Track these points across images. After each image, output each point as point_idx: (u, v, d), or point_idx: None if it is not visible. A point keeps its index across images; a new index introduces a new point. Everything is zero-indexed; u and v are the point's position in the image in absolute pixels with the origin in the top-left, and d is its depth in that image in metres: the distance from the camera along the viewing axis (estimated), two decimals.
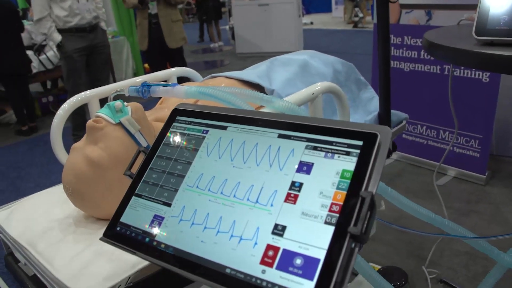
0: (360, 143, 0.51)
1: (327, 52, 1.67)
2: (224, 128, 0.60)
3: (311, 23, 11.70)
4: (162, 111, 1.22)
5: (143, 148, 0.64)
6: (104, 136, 0.96)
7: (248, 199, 0.52)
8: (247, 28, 7.61)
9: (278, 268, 0.46)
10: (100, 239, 0.60)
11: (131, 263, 0.82)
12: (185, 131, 0.63)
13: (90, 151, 0.95)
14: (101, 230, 0.97)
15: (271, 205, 0.51)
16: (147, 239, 0.55)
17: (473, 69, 2.38)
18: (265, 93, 1.25)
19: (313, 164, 0.52)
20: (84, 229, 0.99)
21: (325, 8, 13.66)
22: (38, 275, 0.92)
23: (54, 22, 3.31)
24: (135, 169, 0.66)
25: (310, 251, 0.46)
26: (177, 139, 0.63)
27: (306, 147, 0.53)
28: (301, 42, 7.74)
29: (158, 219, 0.56)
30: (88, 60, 3.53)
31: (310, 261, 0.45)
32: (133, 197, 0.61)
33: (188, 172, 0.58)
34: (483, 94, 2.35)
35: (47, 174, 3.37)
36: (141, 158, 0.73)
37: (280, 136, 0.56)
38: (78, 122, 3.47)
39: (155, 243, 0.54)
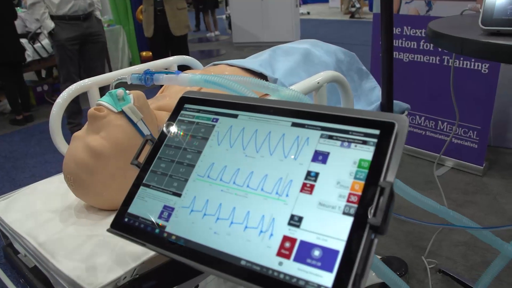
0: (377, 132, 0.50)
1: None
2: (235, 116, 0.59)
3: (308, 13, 11.63)
4: (164, 100, 1.20)
5: (150, 136, 0.62)
6: (106, 124, 0.94)
7: (262, 189, 0.51)
8: (244, 18, 7.54)
9: (295, 260, 0.45)
10: (108, 230, 0.59)
11: (136, 254, 0.80)
12: (194, 119, 0.62)
13: (91, 140, 0.93)
14: (103, 220, 0.96)
15: (287, 195, 0.49)
16: (156, 231, 0.54)
17: (472, 60, 2.37)
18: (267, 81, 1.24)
19: (329, 153, 0.50)
20: (86, 219, 0.98)
21: None
22: (40, 266, 0.90)
23: (48, 8, 3.25)
24: (141, 159, 0.65)
25: (329, 243, 0.45)
26: (186, 127, 0.61)
27: (321, 136, 0.52)
28: (298, 32, 7.69)
29: (168, 210, 0.55)
30: (81, 49, 3.48)
31: (328, 253, 0.44)
32: (141, 187, 0.59)
33: (198, 161, 0.57)
34: (482, 85, 2.35)
35: (43, 164, 3.33)
36: (147, 147, 0.71)
37: (294, 124, 0.54)
38: (73, 110, 3.43)
39: (165, 234, 0.53)
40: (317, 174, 0.49)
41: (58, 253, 0.86)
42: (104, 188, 0.95)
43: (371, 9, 10.18)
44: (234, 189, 0.52)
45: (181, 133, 0.61)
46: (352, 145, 0.50)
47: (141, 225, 0.55)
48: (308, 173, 0.50)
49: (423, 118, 2.76)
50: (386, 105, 1.47)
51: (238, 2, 7.53)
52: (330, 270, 0.43)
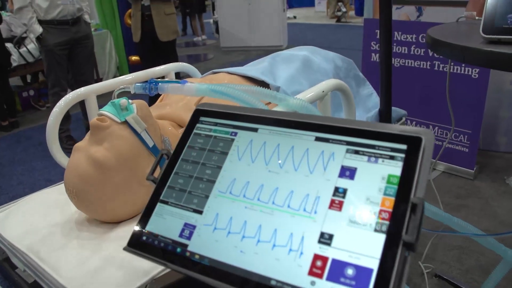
0: (404, 147, 0.49)
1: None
2: (255, 130, 0.57)
3: (294, 17, 11.69)
4: (164, 109, 1.19)
5: (165, 151, 0.61)
6: (110, 135, 0.92)
7: (288, 206, 0.50)
8: (232, 22, 7.54)
9: (328, 279, 0.44)
10: (124, 249, 0.57)
11: (144, 269, 0.78)
12: (211, 133, 0.60)
13: (95, 151, 0.91)
14: (106, 234, 0.94)
15: (315, 212, 0.48)
16: (178, 249, 0.52)
17: (463, 65, 2.40)
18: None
19: (356, 168, 0.50)
20: (88, 233, 0.95)
21: (307, 3, 13.66)
22: (42, 282, 0.87)
23: (35, 12, 3.19)
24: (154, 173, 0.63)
25: (362, 261, 0.44)
26: (203, 141, 0.60)
27: (347, 151, 0.51)
28: (285, 36, 7.72)
29: (189, 228, 0.53)
30: (70, 54, 3.43)
31: (362, 271, 0.43)
32: (159, 204, 0.57)
33: (219, 177, 0.55)
34: (473, 89, 2.38)
35: (30, 171, 3.26)
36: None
37: (318, 139, 0.53)
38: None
39: (188, 253, 0.51)
40: (345, 190, 0.49)
41: (61, 268, 0.84)
42: (108, 201, 0.92)
43: (357, 13, 10.30)
44: (259, 206, 0.51)
45: (198, 147, 0.60)
46: (380, 160, 0.49)
47: (161, 244, 0.54)
48: (336, 189, 0.49)
49: (414, 122, 2.79)
50: (385, 112, 1.48)
51: (225, 6, 7.53)
52: None
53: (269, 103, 1.05)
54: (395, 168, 0.48)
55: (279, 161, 0.53)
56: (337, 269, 0.44)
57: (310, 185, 0.50)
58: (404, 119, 1.57)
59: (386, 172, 0.48)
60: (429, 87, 2.60)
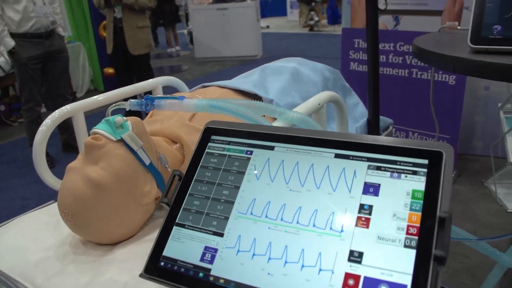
0: (425, 161, 0.50)
1: (288, 56, 1.68)
2: (271, 148, 0.57)
3: (268, 26, 11.79)
4: (155, 125, 1.16)
5: (178, 171, 0.59)
6: (105, 154, 0.89)
7: (314, 225, 0.49)
8: (206, 33, 7.53)
9: None
10: (141, 276, 0.55)
11: None
12: (225, 152, 0.59)
13: (90, 171, 0.88)
14: (105, 256, 0.91)
15: (342, 231, 0.48)
16: (201, 274, 0.51)
17: (440, 72, 2.47)
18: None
19: (379, 185, 0.50)
20: (85, 256, 0.91)
21: (280, 12, 13.82)
22: None
23: (7, 25, 3.10)
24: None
25: (395, 277, 0.44)
26: (217, 161, 0.59)
27: (369, 167, 0.51)
28: (259, 46, 7.77)
29: (210, 251, 0.52)
30: (44, 68, 3.34)
31: None
32: (175, 227, 0.56)
33: (238, 197, 0.54)
34: (450, 96, 2.45)
35: (4, 189, 3.14)
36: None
37: (337, 156, 0.53)
38: (35, 131, 3.27)
39: (211, 278, 0.50)
40: (370, 207, 0.49)
41: None
42: (105, 222, 0.89)
43: (329, 22, 10.48)
44: (283, 226, 0.50)
45: (213, 167, 0.58)
46: (403, 175, 0.50)
47: (181, 269, 0.52)
48: (361, 206, 0.49)
49: (394, 129, 2.84)
50: (373, 122, 1.50)
51: (199, 17, 7.52)
52: None
53: (263, 115, 1.04)
54: (419, 183, 0.48)
55: (300, 180, 0.53)
56: (370, 287, 0.44)
57: (334, 203, 0.50)
58: (391, 127, 1.60)
59: (410, 187, 0.48)
60: (409, 95, 2.66)
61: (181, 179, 0.60)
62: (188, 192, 0.58)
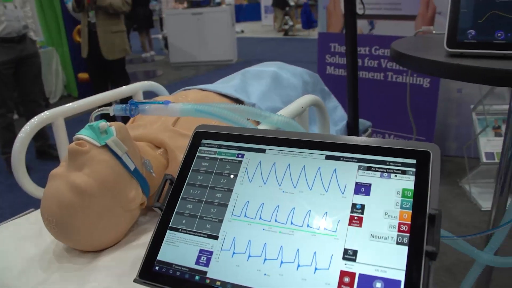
0: (413, 161, 0.52)
1: (263, 60, 1.70)
2: (262, 151, 0.58)
3: (242, 31, 11.83)
4: (138, 130, 1.15)
5: (169, 176, 0.59)
6: (90, 160, 0.88)
7: (308, 225, 0.50)
8: (181, 37, 7.50)
9: None
10: (135, 281, 0.54)
11: None
12: (216, 156, 0.60)
13: (75, 178, 0.86)
14: (90, 264, 0.89)
15: (335, 230, 0.49)
16: (196, 277, 0.51)
17: (415, 75, 2.54)
18: None
19: (370, 184, 0.51)
20: (70, 264, 0.90)
21: (254, 17, 13.89)
22: None
23: None
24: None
25: (388, 273, 0.45)
26: (209, 164, 0.59)
27: (359, 168, 0.53)
28: (235, 50, 7.79)
29: (205, 254, 0.52)
30: (16, 73, 3.25)
31: (391, 284, 0.45)
32: (168, 231, 0.56)
33: (231, 200, 0.55)
34: (425, 98, 2.53)
35: None
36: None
37: (328, 157, 0.54)
38: (8, 138, 3.18)
39: (208, 280, 0.50)
40: (362, 206, 0.50)
41: None
42: (90, 229, 0.88)
43: (304, 26, 10.60)
44: (278, 227, 0.51)
45: (204, 171, 0.59)
46: (392, 175, 0.51)
47: (176, 273, 0.52)
48: (354, 206, 0.50)
49: (372, 132, 2.90)
50: (353, 125, 1.53)
51: (174, 22, 7.48)
52: None
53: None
54: (408, 182, 0.50)
55: (292, 181, 0.54)
56: (366, 284, 0.45)
57: (327, 204, 0.51)
58: (370, 130, 1.64)
59: (400, 186, 0.50)
60: (384, 98, 2.73)
61: (172, 183, 0.60)
62: (181, 196, 0.58)
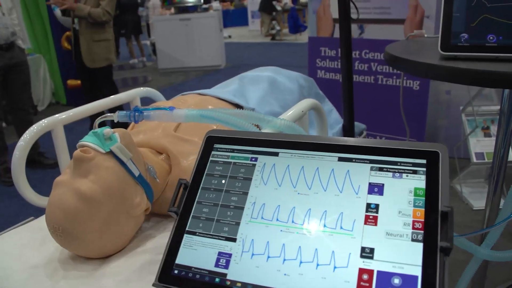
0: (423, 161, 0.54)
1: (252, 65, 1.72)
2: (275, 154, 0.59)
3: (229, 36, 11.86)
4: (138, 136, 1.16)
5: (184, 180, 0.60)
6: (95, 167, 0.89)
7: (325, 225, 0.52)
8: (169, 43, 7.49)
9: None
10: (154, 285, 0.55)
11: None
12: (230, 160, 0.61)
13: (81, 185, 0.87)
14: (97, 271, 0.90)
15: (352, 229, 0.51)
16: (217, 280, 0.52)
17: (405, 78, 2.59)
18: None
19: (383, 184, 0.53)
20: (76, 271, 0.90)
21: (241, 22, 13.94)
22: None
23: None
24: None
25: (405, 269, 0.47)
26: (222, 168, 0.60)
27: (372, 169, 0.54)
28: (223, 56, 7.81)
29: (224, 256, 0.53)
30: (5, 81, 3.22)
31: (408, 279, 0.46)
32: (185, 235, 0.57)
33: (247, 203, 0.56)
34: (415, 101, 2.57)
35: None
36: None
37: (341, 159, 0.56)
38: None
39: (228, 282, 0.51)
40: (377, 206, 0.52)
41: None
42: (97, 236, 0.88)
43: (291, 31, 10.68)
44: (295, 228, 0.53)
45: (219, 175, 0.60)
46: (404, 175, 0.53)
47: (196, 276, 0.53)
48: (368, 206, 0.52)
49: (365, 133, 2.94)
50: (348, 127, 1.56)
51: (162, 28, 7.48)
52: None
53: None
54: (420, 181, 0.52)
55: (307, 183, 0.55)
56: (384, 280, 0.47)
57: (342, 204, 0.53)
58: (365, 133, 1.66)
59: (412, 185, 0.52)
60: (376, 101, 2.76)
61: (187, 188, 0.61)
62: (196, 200, 0.59)
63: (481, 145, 2.34)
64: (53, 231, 0.89)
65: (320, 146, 0.58)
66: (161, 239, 0.97)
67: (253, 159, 0.60)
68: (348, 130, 1.54)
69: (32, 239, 1.02)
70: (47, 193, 1.19)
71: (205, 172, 0.61)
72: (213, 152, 0.63)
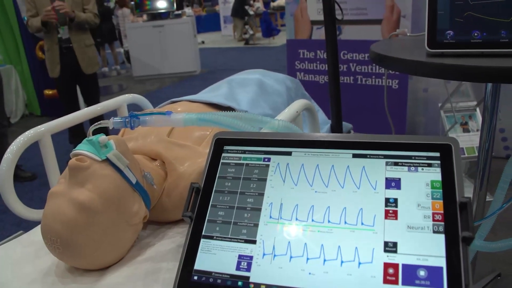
0: (437, 154, 0.54)
1: (227, 70, 1.72)
2: (289, 153, 0.59)
3: (203, 42, 11.82)
4: (129, 143, 1.14)
5: (197, 184, 0.59)
6: (91, 175, 0.86)
7: (346, 222, 0.52)
8: (143, 50, 7.41)
9: (404, 283, 0.47)
10: None
11: None
12: (242, 161, 0.60)
13: (77, 194, 0.84)
14: (98, 282, 0.87)
15: (373, 225, 0.51)
16: (239, 283, 0.51)
17: (384, 77, 2.64)
18: None
19: (400, 179, 0.54)
20: (75, 284, 0.87)
21: (214, 27, 13.92)
22: None
23: None
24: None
25: (430, 261, 0.47)
26: (235, 170, 0.60)
27: (387, 164, 0.55)
28: (198, 61, 7.77)
29: (245, 259, 0.52)
30: None
31: (433, 271, 0.47)
32: (202, 239, 0.56)
33: (264, 203, 0.56)
34: (395, 99, 2.62)
35: None
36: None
37: (355, 155, 0.56)
38: None
39: (251, 285, 0.50)
40: (395, 200, 0.52)
41: None
42: (97, 246, 0.86)
43: (264, 35, 10.73)
44: (316, 227, 0.52)
45: (232, 177, 0.59)
46: (419, 168, 0.54)
47: (217, 281, 0.52)
48: (387, 200, 0.52)
49: (352, 132, 2.97)
50: (336, 126, 1.57)
51: (136, 35, 7.39)
52: (440, 286, 0.46)
53: None
54: (435, 174, 0.53)
55: (323, 181, 0.55)
56: (410, 273, 0.47)
57: (361, 200, 0.53)
58: (352, 132, 1.68)
59: (429, 178, 0.53)
60: (356, 100, 2.80)
61: (198, 192, 0.60)
62: (210, 203, 0.58)
63: (461, 140, 2.41)
64: (51, 244, 0.86)
65: (333, 143, 0.58)
66: (160, 247, 0.95)
67: (266, 160, 0.59)
68: (336, 130, 1.55)
69: (24, 254, 0.98)
70: (29, 206, 1.15)
71: (217, 175, 0.60)
72: (223, 154, 0.62)
